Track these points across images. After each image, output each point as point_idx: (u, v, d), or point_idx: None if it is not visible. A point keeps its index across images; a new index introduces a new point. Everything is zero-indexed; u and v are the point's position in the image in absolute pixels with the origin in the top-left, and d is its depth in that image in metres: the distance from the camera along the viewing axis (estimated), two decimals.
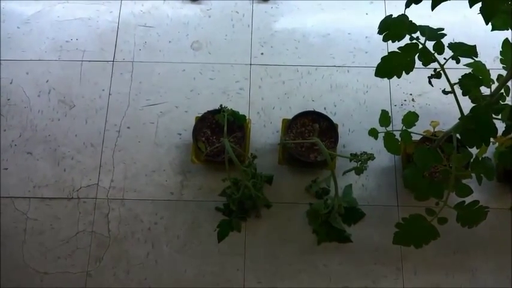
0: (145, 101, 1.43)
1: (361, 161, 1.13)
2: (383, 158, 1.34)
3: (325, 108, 1.42)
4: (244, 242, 1.28)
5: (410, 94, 1.43)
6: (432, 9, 0.71)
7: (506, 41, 1.01)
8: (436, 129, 1.23)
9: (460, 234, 1.27)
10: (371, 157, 1.14)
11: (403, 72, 0.91)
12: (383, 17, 0.91)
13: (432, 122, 1.24)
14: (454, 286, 1.24)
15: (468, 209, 0.90)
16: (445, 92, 0.94)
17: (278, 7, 1.55)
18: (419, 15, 0.89)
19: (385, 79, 1.44)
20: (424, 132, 1.24)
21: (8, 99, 1.44)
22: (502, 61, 1.01)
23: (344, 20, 1.53)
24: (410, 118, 1.14)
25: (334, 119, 1.37)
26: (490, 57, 1.42)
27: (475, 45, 0.95)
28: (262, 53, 1.49)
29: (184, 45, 1.50)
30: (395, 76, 0.92)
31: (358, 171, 1.14)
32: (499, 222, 1.29)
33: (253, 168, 1.23)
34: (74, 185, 1.35)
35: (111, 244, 1.29)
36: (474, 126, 0.84)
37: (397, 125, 1.28)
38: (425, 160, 0.99)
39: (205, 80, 1.45)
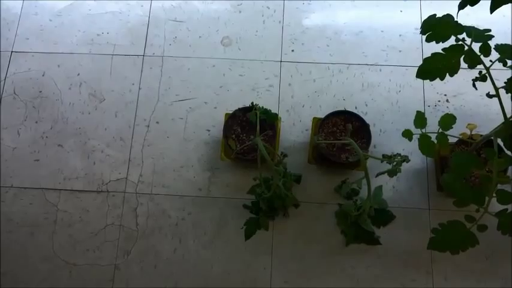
0: (175, 96, 1.43)
1: (396, 162, 1.11)
2: (415, 159, 1.31)
3: (356, 108, 1.39)
4: (271, 241, 1.28)
5: (445, 95, 1.40)
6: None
7: None
8: (473, 132, 1.19)
9: (493, 240, 1.23)
10: (406, 159, 1.12)
11: (447, 74, 0.88)
12: (418, 14, 0.89)
13: (469, 124, 1.20)
14: None
15: (510, 217, 0.87)
16: (489, 96, 0.91)
17: (310, 3, 1.52)
18: (454, 12, 0.86)
19: (419, 79, 1.43)
20: (460, 134, 1.20)
21: (40, 92, 1.46)
22: None
23: (377, 18, 1.50)
24: (448, 120, 1.11)
25: (365, 119, 1.35)
26: None
27: None
28: (292, 50, 1.46)
29: (214, 40, 1.49)
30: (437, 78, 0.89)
31: (392, 173, 1.12)
32: None
33: (283, 167, 1.22)
34: (103, 179, 1.36)
35: (139, 238, 1.30)
36: None
37: (430, 126, 1.24)
38: (464, 165, 0.96)
39: (234, 76, 1.44)
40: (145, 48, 1.49)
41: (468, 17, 0.91)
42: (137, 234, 1.30)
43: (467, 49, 0.86)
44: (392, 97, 1.40)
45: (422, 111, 1.37)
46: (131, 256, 1.28)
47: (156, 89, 1.44)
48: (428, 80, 1.42)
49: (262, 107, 1.19)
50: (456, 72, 0.87)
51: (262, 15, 1.51)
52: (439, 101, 1.39)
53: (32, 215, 1.33)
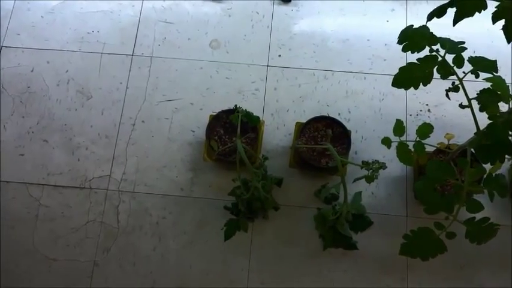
0: (162, 96, 1.45)
1: (373, 169, 1.13)
2: (394, 167, 1.33)
3: (339, 114, 1.41)
4: (250, 243, 1.29)
5: (427, 104, 1.42)
6: (454, 25, 0.70)
7: None
8: (450, 142, 1.21)
9: (469, 248, 1.24)
10: (382, 166, 1.13)
11: (421, 83, 0.90)
12: (404, 24, 0.91)
13: (447, 134, 1.23)
14: None
15: (478, 226, 0.89)
16: (461, 106, 0.94)
17: (299, 10, 1.54)
18: (440, 24, 0.88)
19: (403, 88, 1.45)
20: (438, 144, 1.23)
21: (28, 87, 1.47)
22: None
23: (364, 26, 1.52)
24: (425, 129, 1.13)
25: (348, 126, 1.37)
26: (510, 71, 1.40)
27: (495, 61, 0.94)
28: (279, 55, 1.49)
29: (203, 43, 1.51)
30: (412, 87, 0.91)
31: (369, 179, 1.14)
32: (509, 238, 1.27)
33: (263, 170, 1.23)
34: (86, 175, 1.37)
35: (119, 236, 1.31)
36: (490, 143, 0.83)
37: (411, 135, 1.28)
38: (437, 173, 0.98)
39: (221, 79, 1.46)
40: (135, 48, 1.51)
41: (451, 29, 0.93)
42: (118, 232, 1.31)
43: (441, 60, 0.88)
44: (375, 105, 1.43)
45: (404, 120, 1.40)
46: (111, 253, 1.29)
47: (144, 88, 1.46)
48: (411, 90, 1.46)
49: (245, 109, 1.21)
50: (429, 82, 0.89)
51: (251, 20, 1.53)
52: (420, 110, 1.42)
53: (14, 209, 1.34)
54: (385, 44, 1.49)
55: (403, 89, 1.43)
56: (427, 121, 1.41)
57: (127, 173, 1.37)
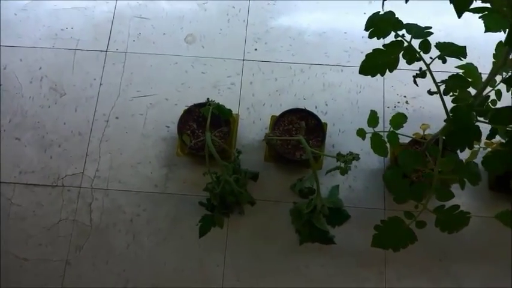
0: (136, 92, 1.42)
1: (346, 161, 1.11)
2: (372, 160, 1.32)
3: (316, 107, 1.39)
4: (225, 239, 1.27)
5: (405, 96, 1.40)
6: (459, 17, 0.67)
7: (499, 44, 0.98)
8: (426, 132, 1.20)
9: (448, 241, 1.24)
10: (355, 157, 1.11)
11: (387, 70, 0.88)
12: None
13: (422, 125, 1.21)
14: None
15: (448, 214, 0.87)
16: (430, 93, 0.92)
17: (275, 3, 1.53)
18: (419, 17, 0.87)
19: (380, 79, 1.44)
20: (413, 135, 1.21)
21: (0, 85, 1.44)
22: (494, 64, 0.98)
23: (341, 19, 1.51)
24: (398, 119, 1.11)
25: (325, 118, 1.36)
26: (489, 62, 1.39)
27: (464, 46, 0.92)
28: (256, 49, 1.47)
29: (178, 38, 1.49)
30: (379, 74, 0.89)
31: (343, 171, 1.12)
32: (490, 230, 1.25)
33: (236, 164, 1.21)
34: (59, 173, 1.34)
35: (92, 234, 1.28)
36: (456, 129, 0.81)
37: (388, 127, 1.26)
38: (408, 162, 0.96)
39: (196, 74, 1.44)
40: (109, 44, 1.49)
41: (429, 21, 0.91)
42: (90, 230, 1.29)
43: (407, 45, 0.86)
44: (353, 97, 1.41)
45: (382, 112, 1.39)
46: (83, 251, 1.27)
47: (118, 84, 1.43)
48: (388, 81, 1.45)
49: (217, 102, 1.19)
50: (395, 68, 0.87)
51: (227, 14, 1.52)
52: (398, 102, 1.40)
53: None
54: (362, 37, 1.47)
55: (380, 81, 1.45)
56: (405, 113, 1.39)
57: (100, 170, 1.34)
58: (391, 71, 0.88)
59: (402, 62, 0.90)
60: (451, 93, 0.84)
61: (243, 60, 1.45)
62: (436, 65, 0.89)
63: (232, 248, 1.26)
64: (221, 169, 1.14)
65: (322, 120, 1.30)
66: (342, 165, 1.11)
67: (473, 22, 0.87)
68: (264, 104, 1.40)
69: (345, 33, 1.48)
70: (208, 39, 1.49)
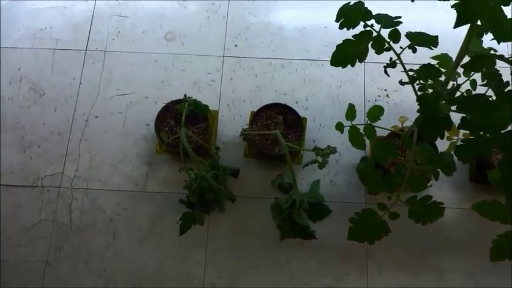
0: (115, 90, 1.42)
1: (324, 155, 1.10)
2: (354, 154, 1.31)
3: (296, 103, 1.39)
4: (206, 236, 1.26)
5: (385, 90, 1.40)
6: (455, 27, 0.63)
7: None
8: (404, 125, 1.19)
9: (429, 233, 1.24)
10: (332, 151, 1.11)
11: (357, 60, 0.88)
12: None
13: (401, 117, 1.20)
14: (419, 286, 1.20)
15: (420, 204, 0.86)
16: (401, 83, 0.91)
17: (255, 0, 1.52)
18: (398, 9, 0.86)
19: (360, 73, 1.43)
20: (392, 127, 1.20)
21: None
22: (469, 53, 0.97)
23: (321, 14, 1.50)
24: (375, 112, 1.10)
25: (306, 114, 1.35)
26: None
27: (436, 36, 0.92)
28: (236, 45, 1.46)
29: (158, 35, 1.48)
30: (349, 65, 0.89)
31: (320, 165, 1.11)
32: (471, 222, 1.25)
33: (215, 161, 1.21)
34: (38, 173, 1.33)
35: (72, 234, 1.27)
36: (424, 118, 0.80)
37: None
38: (383, 154, 0.96)
39: (176, 71, 1.43)
40: (88, 43, 1.48)
41: (408, 14, 0.91)
42: (70, 230, 1.28)
43: (376, 35, 0.86)
44: (333, 92, 1.40)
45: (363, 106, 1.38)
46: (63, 252, 1.26)
47: (97, 83, 1.43)
48: (369, 75, 1.44)
49: (194, 98, 1.18)
50: (364, 58, 0.87)
51: (207, 11, 1.51)
52: (379, 96, 1.39)
53: None
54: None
55: (361, 75, 1.44)
56: (386, 106, 1.39)
57: (80, 169, 1.33)
58: (360, 62, 0.88)
59: (383, 55, 0.89)
60: (418, 82, 0.83)
61: (223, 56, 1.45)
62: (416, 56, 0.88)
63: (213, 245, 1.25)
64: (197, 166, 1.14)
65: (303, 116, 1.30)
66: (320, 159, 1.10)
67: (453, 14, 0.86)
68: (244, 100, 1.39)
69: (325, 27, 1.48)
70: (188, 36, 1.48)
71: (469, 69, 0.72)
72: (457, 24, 0.51)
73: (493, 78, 0.78)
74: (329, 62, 1.44)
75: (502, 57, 0.68)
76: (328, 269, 1.22)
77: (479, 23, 0.69)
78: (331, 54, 1.43)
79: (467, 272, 1.21)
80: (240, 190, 1.29)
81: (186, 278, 1.22)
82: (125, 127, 1.37)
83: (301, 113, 1.33)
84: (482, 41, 0.98)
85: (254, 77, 1.42)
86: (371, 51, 0.90)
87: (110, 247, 1.26)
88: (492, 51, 0.90)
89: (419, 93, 0.82)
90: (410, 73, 0.89)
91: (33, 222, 1.29)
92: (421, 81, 0.82)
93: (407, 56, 0.89)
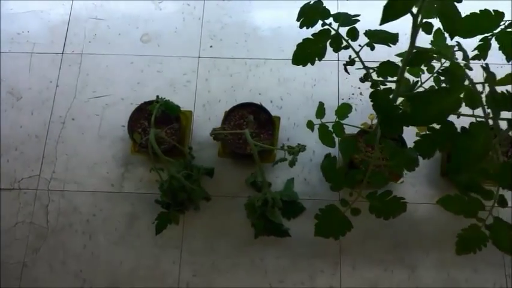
0: (92, 93, 1.43)
1: (293, 152, 1.12)
2: (327, 152, 1.32)
3: (271, 102, 1.40)
4: (182, 235, 1.27)
5: (359, 88, 1.41)
6: (381, 24, 0.65)
7: (438, 30, 0.99)
8: (373, 122, 1.21)
9: (402, 229, 1.26)
10: (302, 148, 1.12)
11: (316, 59, 0.89)
12: (335, 10, 0.91)
13: (370, 115, 1.22)
14: (392, 282, 1.21)
15: (381, 200, 0.88)
16: (362, 80, 0.93)
17: (230, 1, 1.53)
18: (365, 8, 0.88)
19: (334, 72, 1.45)
20: (361, 125, 1.22)
21: None
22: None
23: (295, 14, 1.50)
24: (344, 109, 1.12)
25: (280, 113, 1.37)
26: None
27: (396, 34, 0.93)
28: (211, 46, 1.48)
29: (134, 37, 1.49)
30: (309, 64, 0.91)
31: (290, 163, 1.13)
32: (443, 217, 1.26)
33: (188, 160, 1.22)
34: (15, 176, 1.34)
35: (49, 235, 1.28)
36: (378, 114, 0.82)
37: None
38: (347, 150, 0.97)
39: (152, 73, 1.45)
40: (65, 46, 1.49)
41: None
42: (47, 232, 1.29)
43: (334, 34, 0.87)
44: (308, 91, 1.42)
45: (337, 104, 1.39)
46: (40, 253, 1.27)
47: (74, 86, 1.44)
48: (343, 74, 1.45)
49: (166, 99, 1.19)
50: (323, 56, 0.88)
51: (183, 13, 1.52)
52: (353, 94, 1.41)
53: None
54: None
55: (335, 74, 1.46)
56: (359, 104, 1.41)
57: (57, 171, 1.34)
58: (319, 60, 0.90)
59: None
60: (370, 79, 0.85)
61: (199, 57, 1.46)
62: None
63: (188, 244, 1.26)
64: (173, 165, 1.15)
65: (278, 115, 1.31)
66: (289, 157, 1.12)
67: None
68: (219, 100, 1.41)
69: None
70: (164, 38, 1.49)
71: (411, 64, 0.74)
72: (383, 21, 0.53)
73: (447, 73, 0.79)
74: None
75: (440, 53, 0.69)
76: (302, 266, 1.24)
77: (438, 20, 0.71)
78: None
79: (439, 266, 1.22)
80: (215, 189, 1.30)
81: (161, 277, 1.24)
82: (101, 129, 1.39)
83: (276, 112, 1.35)
84: (446, 37, 1.01)
85: (229, 77, 1.44)
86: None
87: (86, 248, 1.27)
88: (456, 48, 0.92)
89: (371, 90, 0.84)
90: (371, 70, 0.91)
91: (10, 224, 1.30)
92: (373, 79, 0.84)
93: (376, 53, 0.90)
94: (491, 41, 0.89)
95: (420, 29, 0.69)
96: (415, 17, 0.65)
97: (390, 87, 0.80)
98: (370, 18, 0.81)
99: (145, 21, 1.52)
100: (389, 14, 0.51)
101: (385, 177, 0.89)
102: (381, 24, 0.54)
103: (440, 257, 1.23)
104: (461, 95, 0.64)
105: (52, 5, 1.55)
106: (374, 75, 0.88)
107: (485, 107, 0.65)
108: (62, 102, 1.42)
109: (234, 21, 1.51)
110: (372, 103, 0.81)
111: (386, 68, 0.90)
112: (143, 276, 1.24)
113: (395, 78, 0.86)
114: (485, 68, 0.70)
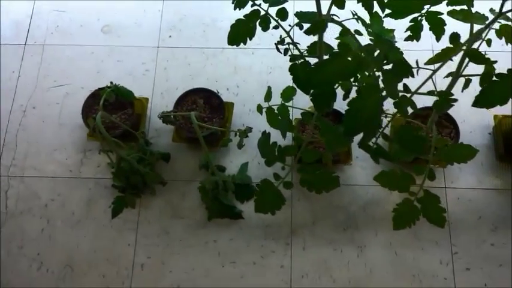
0: (53, 82, 1.46)
1: (240, 134, 1.15)
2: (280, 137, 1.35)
3: (228, 89, 1.44)
4: (137, 219, 1.30)
5: None
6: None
7: (375, 14, 1.03)
8: None
9: (353, 211, 1.29)
10: (247, 130, 1.15)
11: (248, 39, 0.93)
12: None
13: None
14: (342, 261, 1.25)
15: (310, 172, 0.91)
16: (277, 47, 0.96)
17: None
18: None
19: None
20: (309, 108, 1.25)
21: None
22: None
23: None
24: (288, 92, 1.15)
25: (236, 100, 1.40)
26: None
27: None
28: (170, 36, 1.51)
29: (95, 28, 1.53)
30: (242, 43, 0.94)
31: (239, 145, 1.16)
32: (392, 200, 1.29)
33: (140, 145, 1.25)
34: None
35: (7, 220, 1.31)
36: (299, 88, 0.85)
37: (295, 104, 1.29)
38: (283, 129, 1.01)
39: (112, 62, 1.48)
40: (28, 37, 1.53)
41: None
42: (6, 217, 1.31)
43: (263, 14, 0.91)
44: (263, 79, 1.45)
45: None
46: None
47: (35, 76, 1.47)
48: None
49: (118, 85, 1.22)
50: (253, 36, 0.92)
51: (143, 4, 1.56)
52: None
53: None
54: None
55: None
56: None
57: (17, 158, 1.37)
58: (250, 39, 0.93)
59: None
60: (290, 53, 0.88)
61: (158, 47, 1.50)
62: None
63: (143, 227, 1.29)
64: (127, 149, 1.18)
65: (234, 102, 1.35)
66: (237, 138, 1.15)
67: None
68: (177, 88, 1.44)
69: None
70: (124, 29, 1.53)
71: (306, 33, 0.78)
72: None
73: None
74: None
75: (332, 20, 0.73)
76: (254, 247, 1.27)
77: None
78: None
79: (387, 245, 1.25)
80: (171, 174, 1.33)
81: (116, 258, 1.26)
82: (61, 117, 1.42)
83: (232, 99, 1.39)
84: (383, 20, 1.04)
85: (187, 66, 1.47)
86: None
87: (44, 232, 1.30)
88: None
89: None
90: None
91: None
92: (292, 54, 0.87)
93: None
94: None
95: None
96: None
97: (308, 61, 0.84)
98: None
99: (106, 12, 1.55)
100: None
101: (318, 153, 0.92)
102: None
103: (389, 237, 1.26)
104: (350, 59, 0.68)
105: None
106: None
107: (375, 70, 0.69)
108: (23, 91, 1.45)
109: (194, 12, 1.55)
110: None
111: (314, 47, 0.93)
112: (99, 258, 1.27)
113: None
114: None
